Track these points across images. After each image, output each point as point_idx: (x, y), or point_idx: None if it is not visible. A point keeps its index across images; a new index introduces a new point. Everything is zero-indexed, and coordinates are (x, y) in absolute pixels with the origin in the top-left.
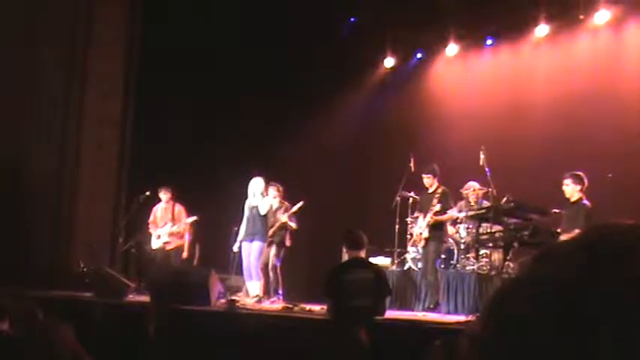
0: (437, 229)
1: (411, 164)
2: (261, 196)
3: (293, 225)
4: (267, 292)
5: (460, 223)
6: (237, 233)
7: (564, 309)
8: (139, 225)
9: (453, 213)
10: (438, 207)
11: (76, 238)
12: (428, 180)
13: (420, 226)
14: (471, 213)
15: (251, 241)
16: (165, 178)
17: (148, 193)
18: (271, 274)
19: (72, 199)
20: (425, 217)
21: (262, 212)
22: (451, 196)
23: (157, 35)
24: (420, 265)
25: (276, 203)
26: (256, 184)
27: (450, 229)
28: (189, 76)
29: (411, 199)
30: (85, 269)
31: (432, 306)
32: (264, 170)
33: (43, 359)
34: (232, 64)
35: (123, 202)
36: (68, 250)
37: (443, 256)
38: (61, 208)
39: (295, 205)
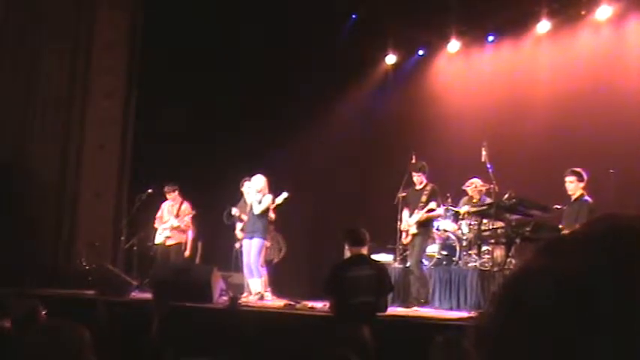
0: (425, 225)
1: (413, 161)
2: (258, 194)
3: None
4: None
5: (462, 219)
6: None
7: (566, 300)
8: (141, 223)
9: (439, 211)
10: (433, 204)
11: (78, 236)
12: (418, 178)
13: (406, 222)
14: (473, 209)
15: (251, 238)
16: (167, 176)
17: (150, 190)
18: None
19: (74, 198)
20: (412, 213)
21: (255, 212)
22: (439, 193)
23: (158, 35)
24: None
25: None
26: (254, 182)
27: (452, 226)
28: (190, 76)
29: None
30: (87, 267)
31: (422, 300)
32: (265, 169)
33: (44, 358)
34: (232, 64)
35: (125, 200)
36: (71, 249)
37: (445, 253)
38: (64, 206)
39: (279, 196)
